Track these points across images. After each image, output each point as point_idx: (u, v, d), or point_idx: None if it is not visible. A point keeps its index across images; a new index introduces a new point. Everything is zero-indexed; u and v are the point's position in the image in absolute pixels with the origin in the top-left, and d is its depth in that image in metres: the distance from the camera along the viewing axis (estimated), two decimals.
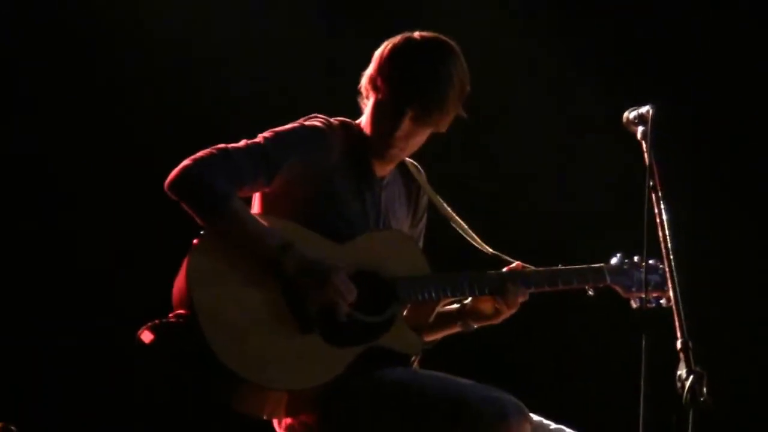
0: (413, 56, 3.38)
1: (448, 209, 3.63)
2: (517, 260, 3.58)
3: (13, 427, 4.10)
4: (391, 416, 3.30)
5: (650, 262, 3.50)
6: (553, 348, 5.47)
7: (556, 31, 5.77)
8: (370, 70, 3.38)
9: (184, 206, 3.22)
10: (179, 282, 3.15)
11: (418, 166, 3.55)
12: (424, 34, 3.43)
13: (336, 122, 3.39)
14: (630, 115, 3.25)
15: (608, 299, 3.71)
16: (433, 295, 3.38)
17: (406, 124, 3.31)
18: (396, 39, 3.39)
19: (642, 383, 3.15)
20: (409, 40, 3.39)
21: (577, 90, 5.67)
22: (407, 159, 3.50)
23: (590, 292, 3.62)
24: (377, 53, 3.42)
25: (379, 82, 3.32)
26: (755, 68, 5.74)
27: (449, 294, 3.43)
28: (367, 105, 3.38)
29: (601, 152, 5.26)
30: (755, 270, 5.51)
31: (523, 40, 5.44)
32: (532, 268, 3.61)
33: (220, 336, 3.07)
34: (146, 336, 3.12)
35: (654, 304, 3.49)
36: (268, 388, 3.15)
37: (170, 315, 3.17)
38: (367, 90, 3.36)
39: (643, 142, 3.22)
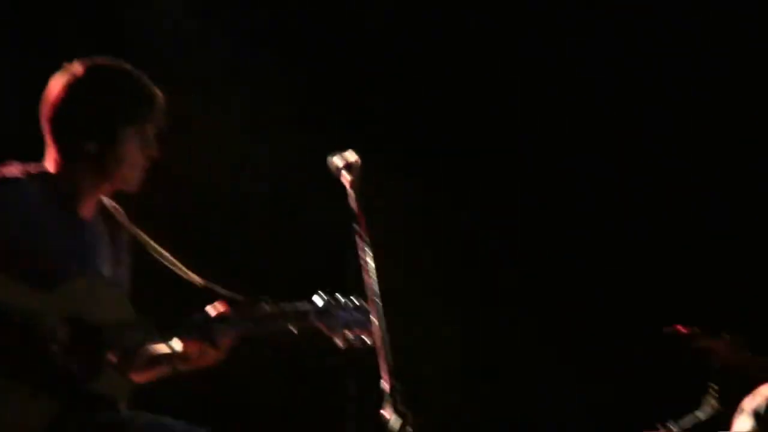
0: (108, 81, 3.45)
1: (154, 244, 3.62)
2: (229, 290, 3.56)
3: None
4: None
5: (356, 302, 3.56)
6: (264, 388, 5.36)
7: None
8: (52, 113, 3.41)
9: None
10: None
11: (116, 206, 3.52)
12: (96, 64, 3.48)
13: (27, 172, 3.37)
14: (336, 161, 3.30)
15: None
16: (139, 340, 3.39)
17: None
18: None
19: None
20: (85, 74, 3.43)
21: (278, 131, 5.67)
22: (105, 199, 3.49)
23: (295, 331, 3.61)
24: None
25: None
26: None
27: (155, 339, 3.44)
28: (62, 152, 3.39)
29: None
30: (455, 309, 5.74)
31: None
32: (242, 300, 3.60)
33: None
34: None
35: (360, 344, 3.51)
36: None
37: None
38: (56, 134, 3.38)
39: (350, 190, 3.28)
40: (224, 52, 6.04)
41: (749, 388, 4.41)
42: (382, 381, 3.08)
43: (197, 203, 5.31)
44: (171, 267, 3.61)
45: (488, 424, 5.80)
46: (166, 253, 3.60)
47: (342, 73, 5.88)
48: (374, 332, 3.24)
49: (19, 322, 3.18)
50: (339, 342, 3.53)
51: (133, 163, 3.41)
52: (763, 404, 4.29)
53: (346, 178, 3.30)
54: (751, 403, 4.33)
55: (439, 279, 5.67)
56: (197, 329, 3.44)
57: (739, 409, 4.37)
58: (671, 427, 4.86)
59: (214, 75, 5.85)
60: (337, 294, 3.56)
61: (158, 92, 3.48)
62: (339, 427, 4.55)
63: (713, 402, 4.77)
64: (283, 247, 5.20)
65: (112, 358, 3.29)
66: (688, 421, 4.82)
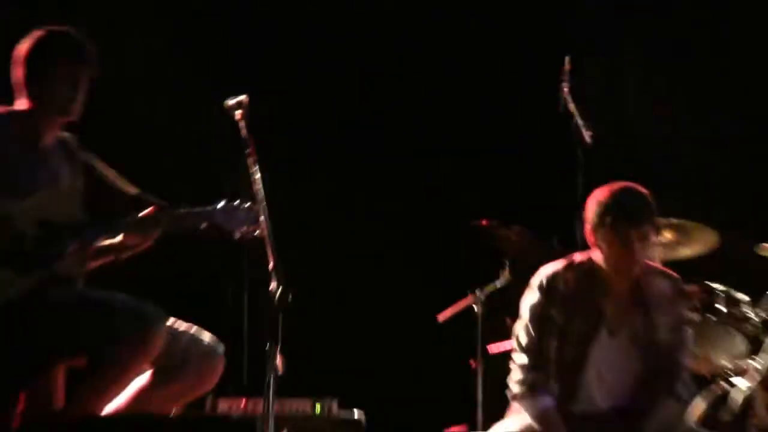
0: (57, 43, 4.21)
1: (100, 165, 4.39)
2: (157, 201, 4.36)
3: None
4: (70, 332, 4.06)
5: (248, 204, 4.29)
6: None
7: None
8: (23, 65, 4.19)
9: None
10: None
11: (70, 135, 4.32)
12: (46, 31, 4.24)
13: (23, 104, 4.13)
14: (230, 102, 4.13)
15: None
16: (89, 237, 4.23)
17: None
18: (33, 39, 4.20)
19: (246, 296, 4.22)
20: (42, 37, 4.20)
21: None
22: (64, 133, 4.26)
23: (203, 226, 4.37)
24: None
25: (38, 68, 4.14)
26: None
27: (104, 234, 4.29)
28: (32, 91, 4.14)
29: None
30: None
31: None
32: (165, 205, 4.36)
33: None
34: None
35: (251, 235, 4.25)
36: None
37: None
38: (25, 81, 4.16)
39: (241, 122, 4.13)
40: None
41: (535, 267, 4.89)
42: (270, 263, 3.96)
43: (131, 138, 5.72)
44: (113, 181, 4.41)
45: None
46: (111, 170, 4.39)
47: None
48: (262, 226, 4.10)
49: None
50: (236, 234, 4.29)
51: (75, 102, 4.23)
52: (545, 279, 4.75)
53: (238, 114, 4.14)
54: (535, 279, 4.78)
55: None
56: (134, 225, 4.29)
57: (529, 285, 4.86)
58: (478, 293, 5.94)
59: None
60: (234, 199, 4.35)
61: (90, 49, 4.27)
62: (239, 297, 5.26)
63: (507, 275, 5.94)
64: (195, 171, 5.87)
65: (72, 249, 4.10)
66: (489, 288, 5.96)
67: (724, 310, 5.89)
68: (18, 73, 4.22)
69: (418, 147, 7.19)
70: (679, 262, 5.74)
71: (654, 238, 4.85)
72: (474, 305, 5.97)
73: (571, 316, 4.65)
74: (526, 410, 4.58)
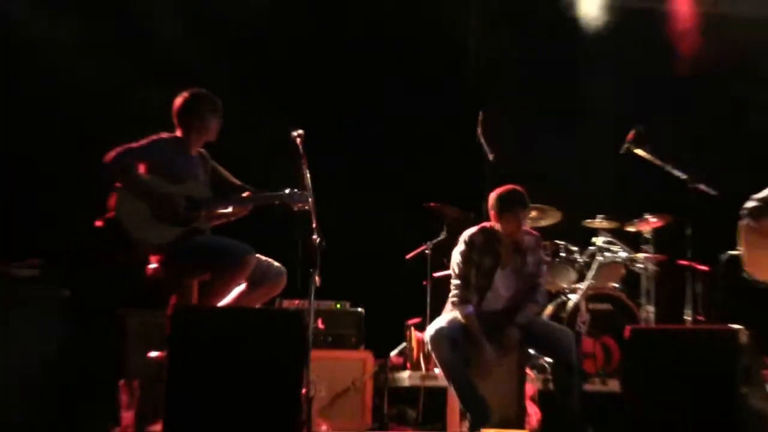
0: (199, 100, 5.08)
1: (218, 166, 5.23)
2: (250, 187, 5.18)
3: None
4: (201, 260, 4.90)
5: (301, 192, 5.05)
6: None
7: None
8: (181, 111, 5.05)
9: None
10: (110, 202, 4.75)
11: (204, 150, 5.21)
12: (193, 91, 5.05)
13: (169, 135, 5.02)
14: (294, 133, 4.97)
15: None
16: (213, 207, 5.05)
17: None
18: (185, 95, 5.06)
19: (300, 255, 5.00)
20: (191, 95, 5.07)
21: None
22: (200, 149, 5.16)
23: (278, 203, 5.15)
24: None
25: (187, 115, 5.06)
26: None
27: (222, 205, 5.09)
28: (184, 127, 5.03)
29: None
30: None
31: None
32: (255, 190, 5.14)
33: (126, 221, 4.76)
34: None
35: (303, 208, 5.08)
36: (144, 243, 4.80)
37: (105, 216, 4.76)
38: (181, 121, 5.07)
39: (300, 144, 4.96)
40: None
41: (462, 230, 5.73)
42: (313, 225, 4.93)
43: (228, 153, 5.57)
44: (226, 176, 5.29)
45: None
46: (224, 170, 5.28)
47: None
48: (309, 204, 5.04)
49: (165, 195, 4.87)
50: (294, 207, 5.16)
51: (211, 132, 5.16)
52: (467, 237, 5.56)
53: (298, 139, 5.04)
54: (462, 236, 5.60)
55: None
56: (237, 201, 5.20)
57: (458, 240, 5.67)
58: (429, 243, 6.83)
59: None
60: (294, 188, 5.17)
61: (219, 104, 5.11)
62: (295, 243, 5.47)
63: (445, 233, 6.90)
64: (268, 171, 5.62)
65: (203, 213, 5.00)
66: (435, 241, 6.87)
67: (564, 255, 7.01)
68: (176, 118, 5.16)
69: (403, 158, 8.04)
70: (539, 228, 6.44)
71: (526, 215, 5.70)
72: (426, 250, 7.03)
73: (482, 258, 5.55)
74: (459, 312, 5.43)
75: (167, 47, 7.10)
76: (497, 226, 5.59)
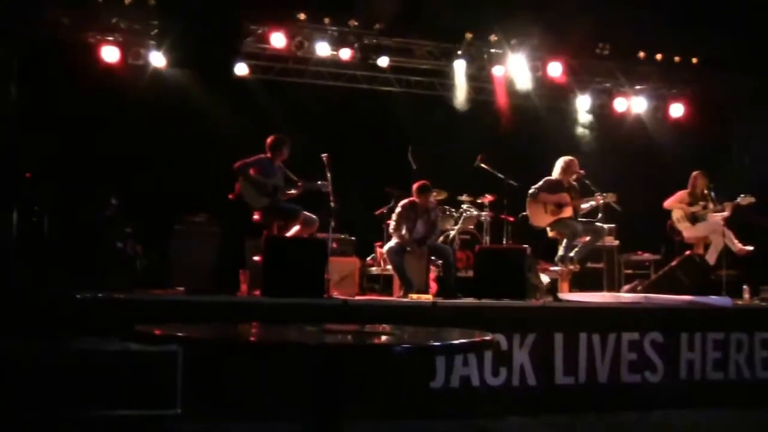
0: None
1: (287, 169, 9.52)
2: (300, 180, 9.22)
3: None
4: (279, 215, 9.15)
5: (324, 183, 8.96)
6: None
7: None
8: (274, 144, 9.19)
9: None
10: (236, 186, 9.00)
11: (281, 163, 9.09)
12: (277, 135, 9.04)
13: (264, 156, 9.14)
14: (324, 156, 9.37)
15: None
16: (286, 190, 9.16)
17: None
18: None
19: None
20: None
21: None
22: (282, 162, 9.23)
23: (315, 188, 8.99)
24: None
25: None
26: None
27: (288, 190, 9.20)
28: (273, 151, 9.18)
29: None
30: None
31: None
32: (303, 181, 9.13)
33: (245, 196, 9.07)
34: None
35: (328, 189, 8.80)
36: (253, 207, 9.01)
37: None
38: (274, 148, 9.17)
39: (327, 157, 9.26)
40: None
41: (401, 199, 9.77)
42: (331, 198, 9.12)
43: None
44: (290, 175, 9.33)
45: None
46: (288, 171, 9.35)
47: None
48: (329, 188, 9.19)
49: (263, 183, 9.16)
50: (323, 189, 9.14)
51: (284, 156, 9.36)
52: (402, 205, 9.35)
53: (325, 157, 8.92)
54: (400, 203, 9.53)
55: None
56: (296, 187, 9.46)
57: (398, 206, 9.63)
58: (386, 209, 10.81)
59: None
60: (323, 181, 9.12)
61: (288, 142, 9.35)
62: (325, 205, 8.76)
63: (393, 203, 10.74)
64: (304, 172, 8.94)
65: (279, 193, 9.27)
66: (389, 207, 10.92)
67: (448, 212, 11.11)
68: (267, 149, 9.02)
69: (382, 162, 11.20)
70: (438, 200, 10.25)
71: (430, 194, 9.68)
72: (385, 210, 10.54)
73: (409, 216, 9.48)
74: (396, 238, 9.38)
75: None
76: (417, 199, 9.68)
